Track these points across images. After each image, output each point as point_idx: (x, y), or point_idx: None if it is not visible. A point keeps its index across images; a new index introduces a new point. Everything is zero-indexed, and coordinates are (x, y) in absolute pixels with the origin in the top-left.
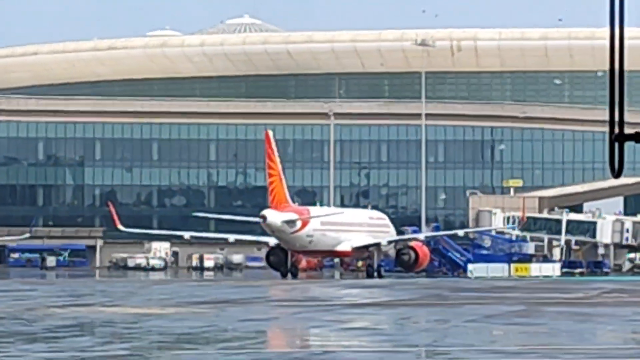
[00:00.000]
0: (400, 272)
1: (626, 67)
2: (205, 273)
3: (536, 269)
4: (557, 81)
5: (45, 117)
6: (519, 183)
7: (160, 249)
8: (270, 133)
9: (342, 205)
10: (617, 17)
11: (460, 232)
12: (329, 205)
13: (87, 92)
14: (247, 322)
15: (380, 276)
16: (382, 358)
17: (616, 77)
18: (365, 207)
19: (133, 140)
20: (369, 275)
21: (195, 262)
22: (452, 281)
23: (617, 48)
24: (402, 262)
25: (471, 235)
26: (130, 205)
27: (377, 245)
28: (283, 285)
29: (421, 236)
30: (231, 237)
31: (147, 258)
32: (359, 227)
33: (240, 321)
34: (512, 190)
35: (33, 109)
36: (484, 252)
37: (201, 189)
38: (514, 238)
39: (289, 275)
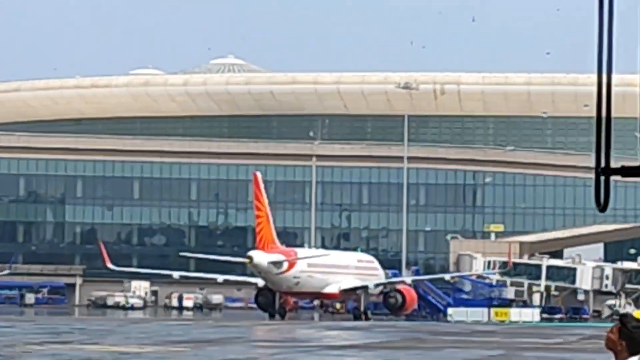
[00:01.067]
0: (382, 315)
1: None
2: (184, 313)
3: (516, 313)
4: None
5: (26, 154)
6: (500, 228)
7: (140, 288)
8: (259, 174)
9: (323, 246)
10: (605, 38)
11: (447, 277)
12: (316, 247)
13: (69, 130)
14: None
15: (367, 318)
16: None
17: (603, 108)
18: (355, 249)
19: (114, 178)
20: (356, 318)
21: (174, 301)
22: (432, 324)
23: (604, 76)
24: (388, 305)
25: (451, 279)
26: (111, 244)
27: (365, 288)
28: (264, 325)
29: (408, 279)
30: (220, 278)
31: (126, 297)
32: (346, 270)
33: None
34: (492, 235)
35: (14, 146)
36: (464, 296)
37: (182, 229)
38: (494, 283)
39: (277, 316)
